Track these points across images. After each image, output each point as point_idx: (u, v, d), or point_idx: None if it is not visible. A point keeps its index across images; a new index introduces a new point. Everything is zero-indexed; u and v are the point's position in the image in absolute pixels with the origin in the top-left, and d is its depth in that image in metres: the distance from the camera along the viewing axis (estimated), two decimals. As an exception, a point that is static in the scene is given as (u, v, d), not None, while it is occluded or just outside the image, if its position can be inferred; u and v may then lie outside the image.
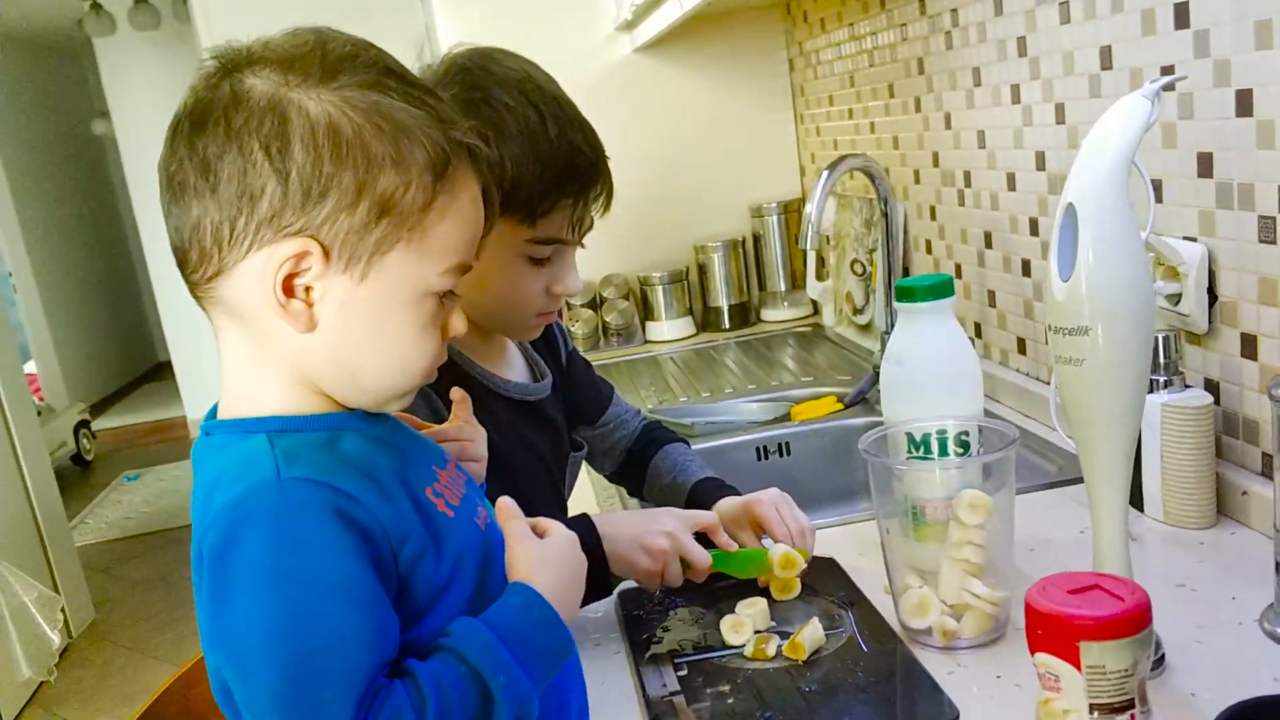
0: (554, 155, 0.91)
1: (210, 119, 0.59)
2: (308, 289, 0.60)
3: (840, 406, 1.66)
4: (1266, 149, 0.93)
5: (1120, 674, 0.60)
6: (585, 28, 2.35)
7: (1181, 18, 1.01)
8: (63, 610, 2.86)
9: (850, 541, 1.12)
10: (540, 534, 0.68)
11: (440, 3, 2.30)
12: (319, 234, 0.59)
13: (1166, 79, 0.76)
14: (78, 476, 5.20)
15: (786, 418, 1.67)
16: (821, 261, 2.19)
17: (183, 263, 0.61)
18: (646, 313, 2.38)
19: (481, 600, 0.64)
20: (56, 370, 5.93)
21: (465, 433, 0.78)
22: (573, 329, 2.33)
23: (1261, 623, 0.86)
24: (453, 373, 0.97)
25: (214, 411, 0.65)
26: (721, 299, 2.37)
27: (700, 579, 0.99)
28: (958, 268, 1.63)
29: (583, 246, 1.00)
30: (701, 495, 1.13)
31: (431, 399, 0.83)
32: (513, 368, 1.07)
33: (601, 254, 2.40)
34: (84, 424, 5.37)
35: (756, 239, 2.40)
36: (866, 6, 1.83)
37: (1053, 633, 0.61)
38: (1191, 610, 0.90)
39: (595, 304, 2.38)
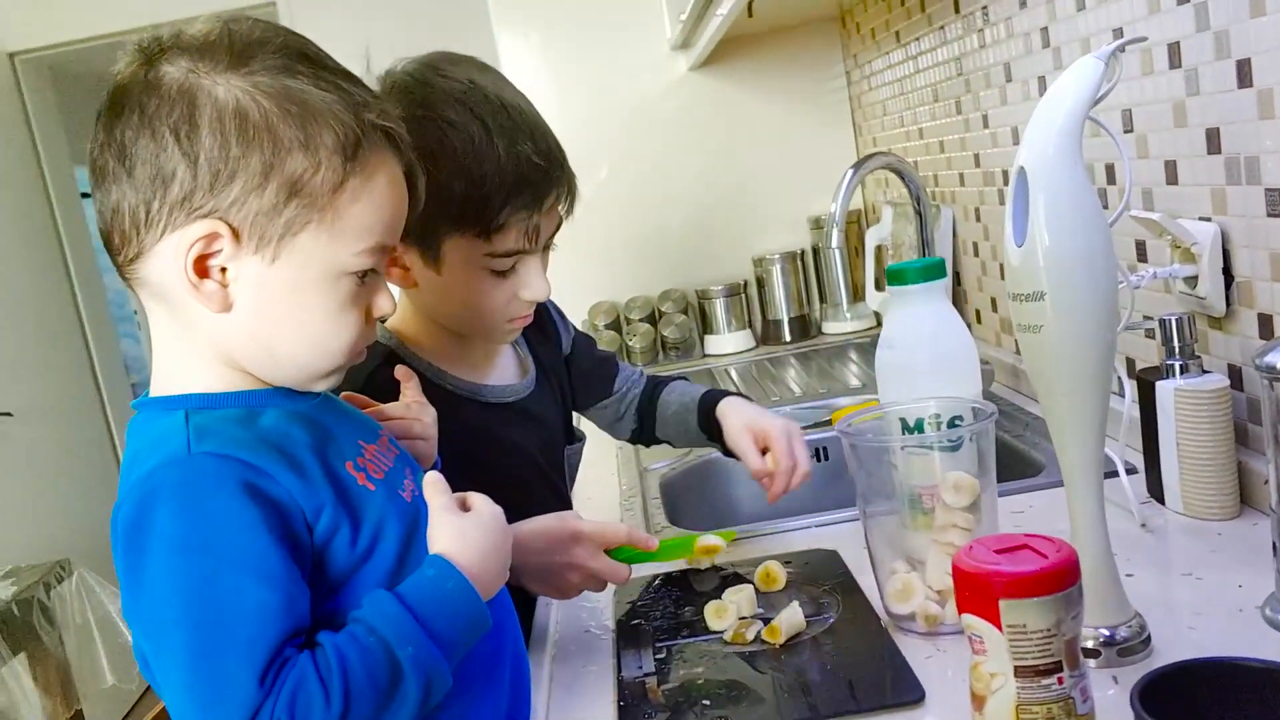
0: (500, 170, 0.88)
1: (126, 106, 0.62)
2: (222, 270, 0.62)
3: (882, 412, 1.63)
4: (1268, 119, 0.89)
5: (1042, 634, 0.58)
6: (642, 48, 2.38)
7: (1182, -10, 0.98)
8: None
9: (857, 534, 1.10)
10: (466, 509, 0.68)
11: (500, 26, 2.38)
12: (228, 216, 0.61)
13: (1121, 41, 0.74)
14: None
15: (827, 424, 1.65)
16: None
17: (108, 245, 0.64)
18: (705, 326, 2.38)
19: (404, 572, 0.64)
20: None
21: (411, 411, 0.79)
22: (631, 343, 2.35)
23: (1264, 609, 0.81)
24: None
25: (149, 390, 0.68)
26: (781, 311, 2.36)
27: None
28: (1001, 268, 1.59)
29: (553, 248, 0.98)
30: (708, 404, 1.17)
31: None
32: (496, 369, 1.06)
33: (659, 268, 2.43)
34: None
35: (816, 251, 2.38)
36: (910, 12, 1.82)
37: (975, 591, 0.60)
38: (1192, 598, 0.86)
39: (653, 319, 2.39)
